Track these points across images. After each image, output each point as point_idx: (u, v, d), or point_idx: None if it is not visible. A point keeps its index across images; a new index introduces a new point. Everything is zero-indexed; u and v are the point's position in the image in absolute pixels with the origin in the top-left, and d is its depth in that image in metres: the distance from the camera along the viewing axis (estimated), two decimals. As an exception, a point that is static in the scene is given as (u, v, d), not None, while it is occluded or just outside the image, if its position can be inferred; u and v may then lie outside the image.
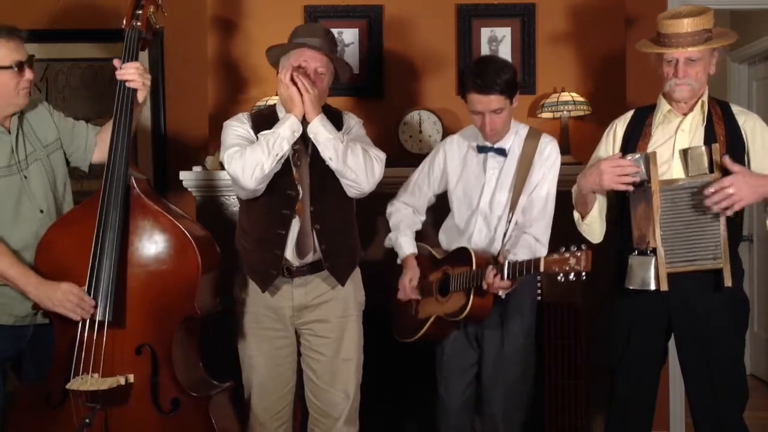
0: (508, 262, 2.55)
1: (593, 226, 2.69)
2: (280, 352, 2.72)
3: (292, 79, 2.55)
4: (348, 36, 3.59)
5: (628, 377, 2.65)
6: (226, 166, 2.58)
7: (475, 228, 2.80)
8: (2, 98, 2.48)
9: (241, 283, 2.74)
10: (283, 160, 2.55)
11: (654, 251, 2.51)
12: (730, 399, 2.56)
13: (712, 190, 2.43)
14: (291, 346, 2.74)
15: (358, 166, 2.57)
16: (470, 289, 2.64)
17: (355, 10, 3.58)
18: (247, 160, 2.51)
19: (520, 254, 2.62)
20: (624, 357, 2.64)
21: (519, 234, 2.73)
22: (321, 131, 2.55)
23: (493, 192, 2.78)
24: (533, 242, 2.70)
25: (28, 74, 2.51)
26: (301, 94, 2.54)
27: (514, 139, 2.81)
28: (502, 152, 2.79)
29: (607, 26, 3.58)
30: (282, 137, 2.52)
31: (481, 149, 2.82)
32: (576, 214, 2.73)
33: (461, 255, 2.73)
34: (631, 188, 2.51)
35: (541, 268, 2.46)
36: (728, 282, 2.48)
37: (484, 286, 2.58)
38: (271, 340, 2.71)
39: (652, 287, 2.50)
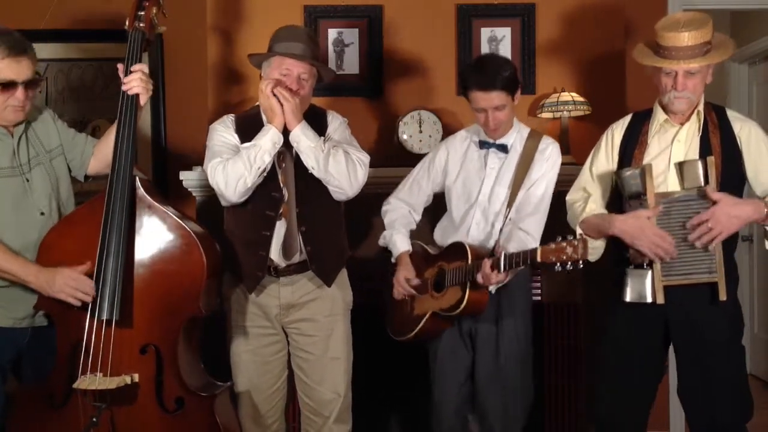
0: (504, 254, 2.55)
1: (599, 249, 2.66)
2: (268, 349, 2.74)
3: (273, 92, 2.58)
4: (348, 36, 3.59)
5: (620, 391, 2.61)
6: (209, 178, 2.62)
7: (473, 221, 2.80)
8: None
9: (228, 282, 2.76)
10: (266, 173, 2.59)
11: (650, 264, 2.52)
12: (731, 413, 2.54)
13: (693, 223, 2.46)
14: (280, 343, 2.76)
15: (340, 172, 2.59)
16: (466, 283, 2.65)
17: (355, 10, 3.58)
18: (230, 173, 2.55)
19: (511, 248, 2.63)
20: (619, 369, 2.62)
21: (512, 229, 2.73)
22: (302, 140, 2.58)
23: (493, 186, 2.79)
24: (524, 236, 2.70)
25: (20, 94, 2.42)
26: (282, 105, 2.57)
27: (516, 137, 2.83)
28: (503, 148, 2.81)
29: (607, 26, 3.58)
30: (263, 150, 2.55)
31: (483, 144, 2.83)
32: (579, 231, 2.66)
33: (456, 249, 2.74)
34: (657, 259, 2.49)
35: (538, 258, 2.46)
36: (723, 296, 2.48)
37: (479, 279, 2.59)
38: (258, 337, 2.73)
39: (649, 300, 2.52)
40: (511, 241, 2.68)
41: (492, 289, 2.69)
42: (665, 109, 2.60)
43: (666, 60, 2.50)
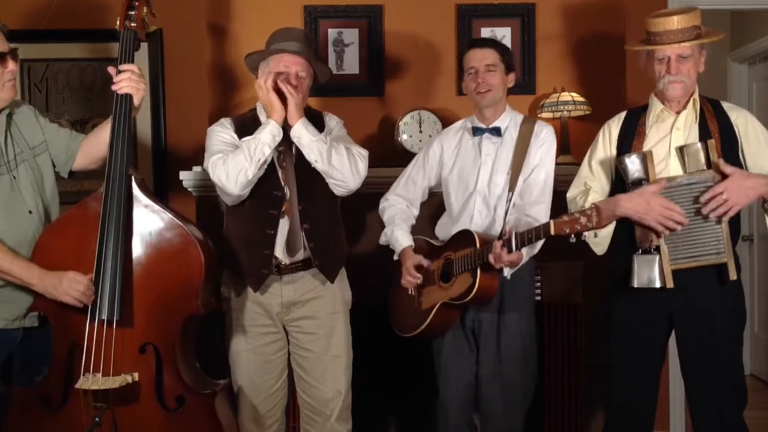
0: (515, 233, 2.54)
1: (607, 239, 2.65)
2: (269, 348, 2.75)
3: (276, 86, 2.60)
4: (348, 36, 3.59)
5: (628, 377, 2.64)
6: (210, 174, 2.62)
7: (475, 209, 2.79)
8: None
9: (228, 281, 2.77)
10: (266, 165, 2.60)
11: (657, 249, 2.52)
12: (732, 398, 2.56)
13: (707, 197, 2.45)
14: (280, 342, 2.77)
15: (343, 165, 2.62)
16: (476, 268, 2.63)
17: (355, 10, 3.59)
18: (230, 166, 2.56)
19: (521, 230, 2.60)
20: (624, 356, 2.64)
21: (520, 216, 2.72)
22: (304, 134, 2.60)
23: (491, 173, 2.79)
24: (534, 223, 2.67)
25: (12, 66, 2.46)
26: (286, 99, 2.60)
27: (509, 122, 2.84)
28: (497, 132, 2.81)
29: (607, 26, 3.59)
30: (263, 143, 2.57)
31: (476, 131, 2.84)
32: None
33: (464, 237, 2.73)
34: (667, 232, 2.49)
35: (552, 232, 2.43)
36: (733, 275, 2.50)
37: (491, 260, 2.56)
38: (259, 336, 2.74)
39: (658, 285, 2.51)
40: (520, 227, 2.65)
41: (507, 273, 2.68)
42: (661, 99, 2.62)
43: (658, 45, 2.54)
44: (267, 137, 2.58)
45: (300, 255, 2.69)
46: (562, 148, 3.47)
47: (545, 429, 3.49)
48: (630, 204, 2.49)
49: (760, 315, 5.04)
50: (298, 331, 2.76)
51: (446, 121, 3.50)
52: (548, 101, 3.50)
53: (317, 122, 2.72)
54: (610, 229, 2.61)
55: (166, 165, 3.67)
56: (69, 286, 2.36)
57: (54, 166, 2.65)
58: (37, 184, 2.56)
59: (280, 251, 2.67)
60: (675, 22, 2.51)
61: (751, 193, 2.46)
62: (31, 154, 2.57)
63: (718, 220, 2.48)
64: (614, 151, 2.68)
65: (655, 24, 2.54)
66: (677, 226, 2.46)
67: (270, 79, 2.61)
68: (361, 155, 2.69)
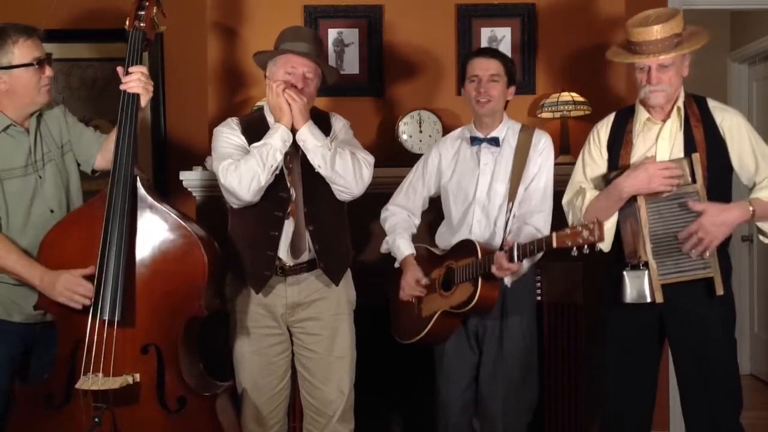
0: (517, 244, 2.55)
1: (610, 233, 2.64)
2: (273, 349, 2.75)
3: (283, 93, 2.60)
4: (348, 36, 3.59)
5: (625, 381, 2.64)
6: (221, 179, 2.61)
7: (474, 219, 2.80)
8: (25, 97, 2.50)
9: (232, 283, 2.77)
10: (277, 171, 2.60)
11: (646, 264, 2.54)
12: (728, 403, 2.56)
13: (683, 236, 2.48)
14: (284, 343, 2.77)
15: (347, 171, 2.62)
16: (477, 278, 2.64)
17: (355, 10, 3.59)
18: (243, 173, 2.55)
19: (522, 240, 2.61)
20: (621, 361, 2.65)
21: (520, 225, 2.73)
22: (309, 139, 2.60)
23: (490, 183, 2.79)
24: (535, 232, 2.69)
25: (48, 71, 2.53)
26: (290, 105, 2.59)
27: (507, 131, 2.84)
28: (495, 142, 2.82)
29: (607, 26, 3.59)
30: (274, 148, 2.57)
31: (474, 140, 2.84)
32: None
33: (465, 247, 2.73)
34: (675, 189, 2.51)
35: (554, 244, 2.45)
36: (719, 291, 2.51)
37: (494, 270, 2.57)
38: (263, 337, 2.74)
39: (648, 300, 2.54)
40: (521, 236, 2.67)
41: (507, 281, 2.68)
42: (646, 106, 2.62)
43: (637, 55, 2.53)
44: (278, 143, 2.58)
45: (305, 256, 2.69)
46: (562, 148, 3.47)
47: (545, 429, 3.49)
48: (630, 181, 2.52)
49: (760, 315, 5.04)
50: (302, 332, 2.76)
51: (446, 121, 3.51)
52: (548, 101, 3.49)
53: (323, 124, 2.72)
54: (612, 221, 2.61)
55: (166, 165, 3.68)
56: (63, 287, 2.37)
57: (78, 165, 2.69)
58: (63, 183, 2.60)
59: (284, 253, 2.67)
60: (654, 33, 2.49)
61: (725, 228, 2.48)
62: (59, 152, 2.62)
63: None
64: (605, 155, 2.69)
65: (635, 33, 2.52)
66: (678, 180, 2.49)
67: (282, 87, 2.60)
68: (367, 161, 2.69)
